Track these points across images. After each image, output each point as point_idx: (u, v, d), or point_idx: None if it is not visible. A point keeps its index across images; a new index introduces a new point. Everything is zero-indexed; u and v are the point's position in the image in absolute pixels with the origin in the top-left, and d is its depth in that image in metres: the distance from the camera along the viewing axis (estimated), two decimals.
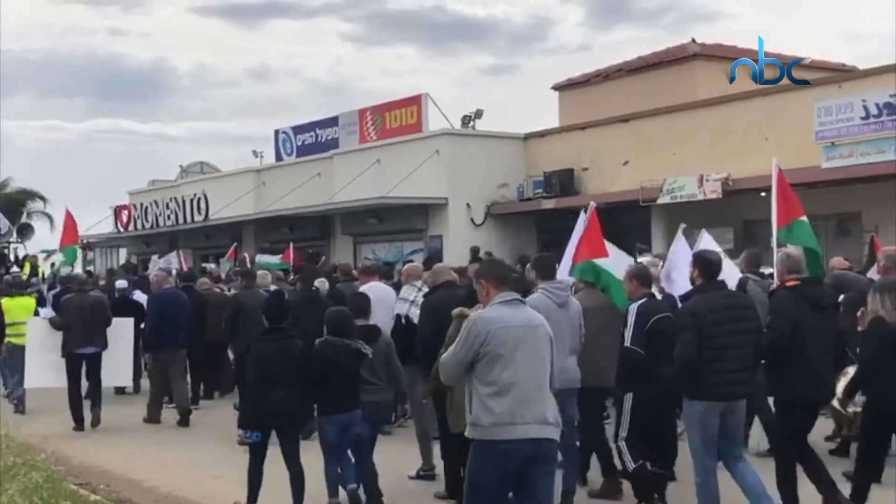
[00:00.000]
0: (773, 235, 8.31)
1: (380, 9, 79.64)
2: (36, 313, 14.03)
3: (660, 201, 19.54)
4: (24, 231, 32.84)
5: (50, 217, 41.25)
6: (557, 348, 6.20)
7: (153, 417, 12.48)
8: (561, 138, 24.05)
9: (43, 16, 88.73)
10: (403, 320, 9.33)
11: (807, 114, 17.32)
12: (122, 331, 12.57)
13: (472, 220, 23.56)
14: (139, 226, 31.86)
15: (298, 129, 30.12)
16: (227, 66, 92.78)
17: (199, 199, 29.05)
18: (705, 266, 6.92)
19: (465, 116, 25.39)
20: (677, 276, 8.81)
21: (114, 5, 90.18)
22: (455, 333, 6.16)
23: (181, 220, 29.75)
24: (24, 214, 41.18)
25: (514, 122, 57.31)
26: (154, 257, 25.11)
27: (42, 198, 41.49)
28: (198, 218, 29.08)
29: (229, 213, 28.15)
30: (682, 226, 9.69)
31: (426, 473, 8.70)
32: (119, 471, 9.63)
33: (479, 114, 25.29)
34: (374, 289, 10.26)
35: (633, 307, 7.42)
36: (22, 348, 12.61)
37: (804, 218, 8.25)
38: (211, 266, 24.54)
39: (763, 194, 18.86)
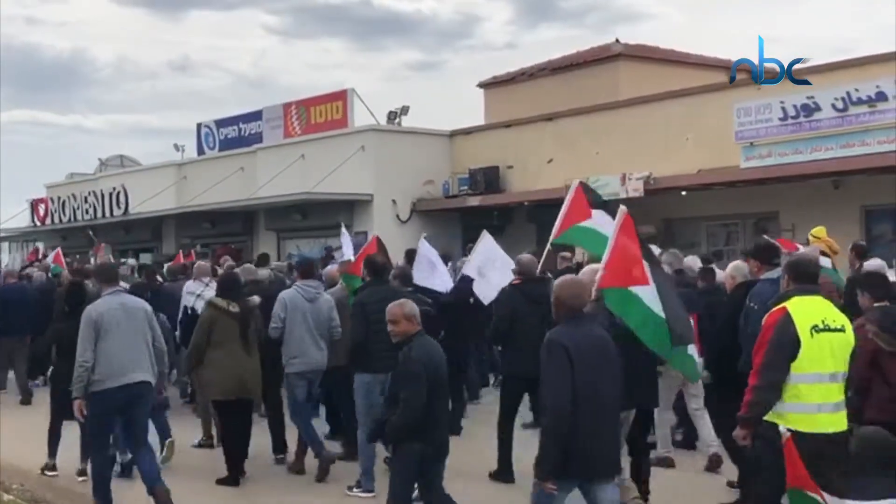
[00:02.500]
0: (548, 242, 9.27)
1: (305, 2, 79.00)
2: None
3: None
4: None
5: None
6: (304, 334, 8.88)
7: None
8: (486, 136, 24.16)
9: None
10: (189, 311, 11.20)
11: (726, 114, 17.66)
12: None
13: (397, 216, 23.52)
14: (56, 220, 31.10)
15: (221, 123, 29.68)
16: (147, 58, 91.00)
17: (118, 193, 28.46)
18: (371, 267, 8.86)
19: (391, 112, 25.33)
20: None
21: None
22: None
23: (100, 214, 29.12)
24: None
25: (441, 119, 57.32)
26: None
27: None
28: (117, 212, 28.49)
29: (150, 207, 27.65)
30: (424, 234, 10.55)
31: (205, 443, 10.36)
32: (35, 469, 9.39)
33: (405, 110, 25.24)
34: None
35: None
36: None
37: (584, 223, 8.66)
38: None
39: (683, 193, 19.26)
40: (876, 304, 6.56)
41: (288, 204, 23.85)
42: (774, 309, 5.57)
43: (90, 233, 25.87)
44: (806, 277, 5.70)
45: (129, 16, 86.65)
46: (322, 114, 25.93)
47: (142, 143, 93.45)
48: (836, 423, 5.36)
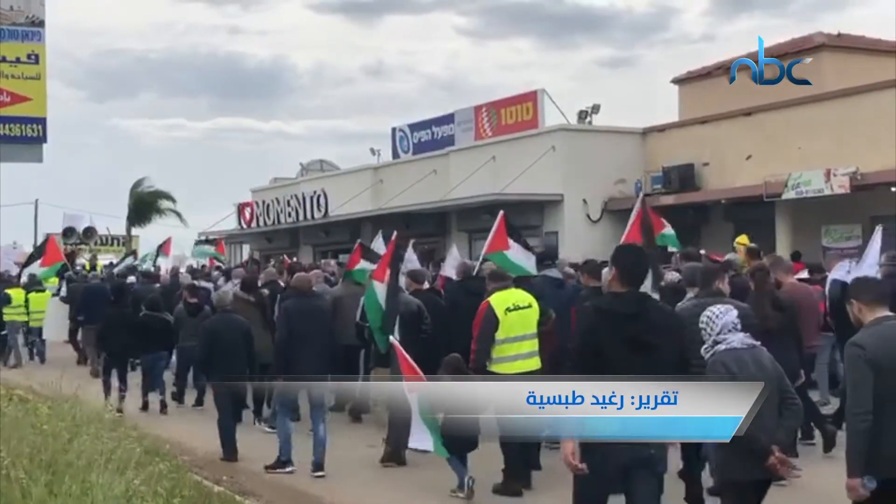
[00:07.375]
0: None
1: (496, 2, 79.60)
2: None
3: (784, 197, 18.97)
4: (89, 233, 35.79)
5: (179, 215, 43.09)
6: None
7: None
8: (681, 133, 23.60)
9: (164, 15, 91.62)
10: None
11: None
12: None
13: (588, 216, 23.33)
14: (261, 223, 32.55)
15: (415, 127, 30.34)
16: (344, 64, 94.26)
17: (318, 197, 29.49)
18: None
19: (581, 111, 25.18)
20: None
21: (233, 4, 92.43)
22: None
23: (301, 217, 30.30)
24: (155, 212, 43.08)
25: (633, 117, 56.54)
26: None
27: (171, 198, 43.24)
28: (318, 215, 29.55)
29: (348, 209, 28.57)
30: (413, 240, 11.24)
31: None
32: (242, 463, 9.84)
33: (595, 109, 25.03)
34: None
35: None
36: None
37: (506, 252, 11.88)
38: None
39: (894, 189, 18.16)
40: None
41: (479, 205, 24.05)
42: (483, 302, 8.54)
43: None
44: (500, 279, 8.90)
45: (326, 23, 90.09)
46: (512, 115, 26.06)
47: (339, 148, 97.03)
48: (529, 365, 8.41)
